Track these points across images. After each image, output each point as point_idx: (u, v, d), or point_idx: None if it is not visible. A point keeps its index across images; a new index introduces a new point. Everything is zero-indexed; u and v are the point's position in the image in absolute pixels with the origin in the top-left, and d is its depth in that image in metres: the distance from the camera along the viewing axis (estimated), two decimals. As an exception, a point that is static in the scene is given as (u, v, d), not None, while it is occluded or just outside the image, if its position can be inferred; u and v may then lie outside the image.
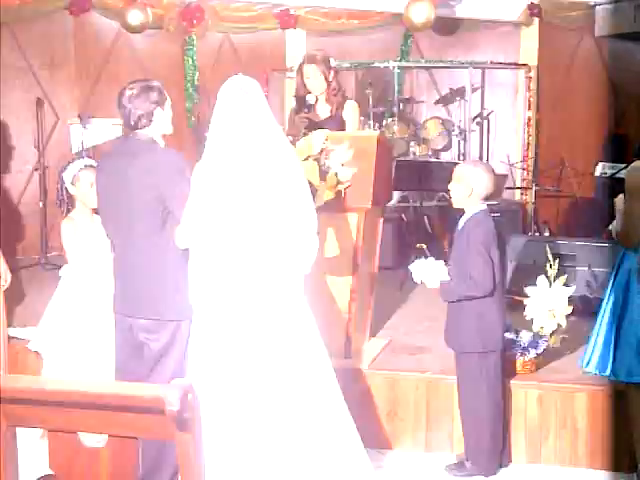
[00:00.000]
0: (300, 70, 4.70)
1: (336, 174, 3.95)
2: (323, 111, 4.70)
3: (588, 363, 3.48)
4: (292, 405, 2.85)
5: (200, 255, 2.91)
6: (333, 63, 4.77)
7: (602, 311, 3.48)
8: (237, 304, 2.87)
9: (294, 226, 2.95)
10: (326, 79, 4.64)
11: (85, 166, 3.86)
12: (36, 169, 7.02)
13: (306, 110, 4.61)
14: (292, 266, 2.98)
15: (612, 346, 3.39)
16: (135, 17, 7.36)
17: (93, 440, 2.48)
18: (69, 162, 3.89)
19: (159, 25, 8.10)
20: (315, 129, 4.24)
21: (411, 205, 7.56)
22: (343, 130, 4.55)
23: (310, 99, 4.62)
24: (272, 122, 2.95)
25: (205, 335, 2.90)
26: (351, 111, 4.73)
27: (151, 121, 3.23)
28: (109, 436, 1.77)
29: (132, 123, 3.26)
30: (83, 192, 3.82)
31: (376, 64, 8.56)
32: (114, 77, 7.73)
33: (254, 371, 2.83)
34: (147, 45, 8.17)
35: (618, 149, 7.52)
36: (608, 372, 3.41)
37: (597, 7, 7.67)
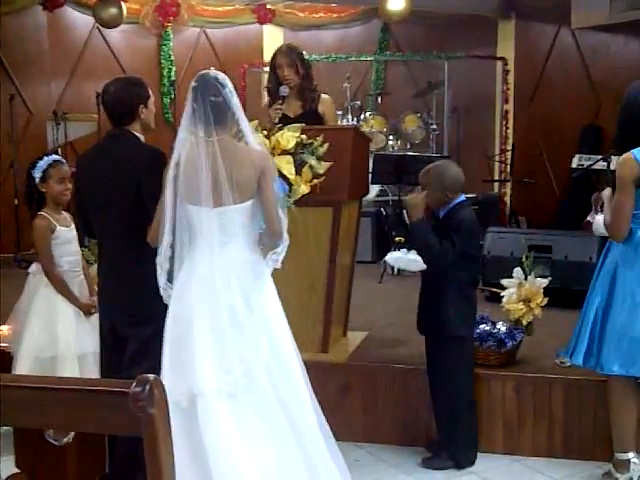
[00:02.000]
0: (273, 60, 4.62)
1: (311, 168, 3.93)
2: (296, 107, 4.65)
3: (573, 355, 3.45)
4: (265, 402, 2.83)
5: (170, 250, 2.90)
6: (307, 57, 4.71)
7: (587, 303, 3.45)
8: (207, 299, 2.85)
9: (264, 222, 2.93)
10: (297, 72, 4.58)
11: (54, 162, 3.79)
12: (11, 166, 6.96)
13: (280, 102, 4.55)
14: (262, 262, 2.96)
15: (598, 339, 3.38)
16: (109, 12, 7.31)
17: (60, 437, 2.47)
18: (37, 159, 3.83)
19: (135, 20, 8.06)
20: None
21: (390, 198, 7.58)
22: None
23: (283, 90, 4.55)
24: (242, 118, 2.93)
25: (177, 329, 2.88)
26: (328, 106, 4.67)
27: (134, 117, 3.23)
28: (75, 433, 1.77)
29: (115, 119, 3.25)
30: (53, 189, 3.77)
31: (353, 58, 8.56)
32: (89, 72, 7.71)
33: (227, 364, 2.81)
34: (122, 40, 8.13)
35: (594, 141, 7.57)
36: (594, 364, 3.40)
37: (573, 0, 7.70)
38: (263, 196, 2.89)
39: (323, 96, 4.67)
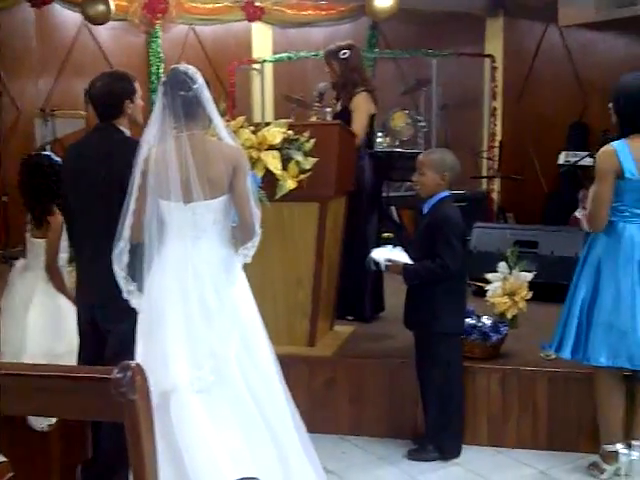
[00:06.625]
0: None
1: (298, 163, 3.96)
2: (337, 105, 4.80)
3: (560, 349, 3.48)
4: (237, 395, 2.85)
5: (129, 244, 2.91)
6: (346, 55, 4.79)
7: (572, 296, 3.47)
8: (179, 293, 2.86)
9: (237, 217, 2.94)
10: (333, 71, 4.72)
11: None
12: (-1, 163, 6.95)
13: (316, 101, 4.67)
14: (234, 256, 2.97)
15: (585, 331, 3.41)
16: (97, 9, 7.30)
17: (43, 423, 2.48)
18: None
19: (123, 17, 8.05)
20: None
21: (378, 195, 7.59)
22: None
23: (321, 88, 4.69)
24: (214, 112, 2.94)
25: (149, 324, 2.90)
26: (355, 103, 4.72)
27: (121, 112, 3.23)
28: (58, 419, 1.78)
29: (102, 114, 3.26)
30: None
31: (342, 55, 8.54)
32: (77, 69, 7.69)
33: (198, 359, 2.82)
34: (111, 37, 8.12)
35: (581, 138, 7.61)
36: (581, 357, 3.43)
37: (560, -3, 7.74)
38: (236, 192, 2.90)
39: (359, 94, 4.73)
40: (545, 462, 3.73)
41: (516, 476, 3.62)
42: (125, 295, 2.94)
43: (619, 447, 3.44)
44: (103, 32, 7.98)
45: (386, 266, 3.70)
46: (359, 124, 4.66)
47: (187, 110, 2.87)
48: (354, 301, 4.90)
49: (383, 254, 3.70)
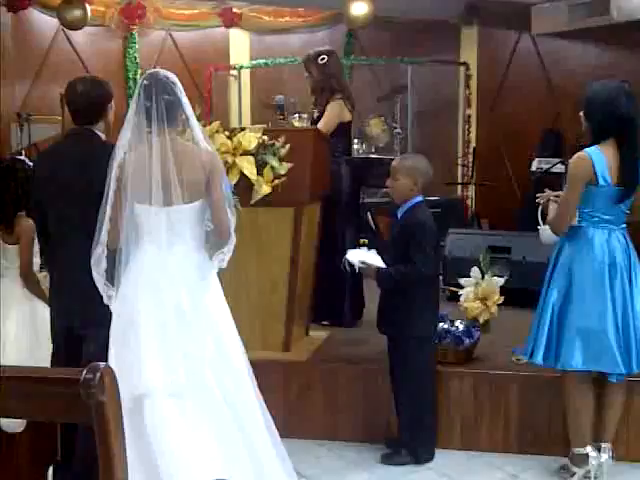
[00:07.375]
0: None
1: (273, 168, 3.98)
2: (316, 111, 4.79)
3: (532, 355, 3.51)
4: (211, 400, 2.86)
5: (107, 250, 2.92)
6: (323, 60, 4.81)
7: (543, 303, 3.51)
8: (153, 297, 2.87)
9: (212, 222, 2.96)
10: (312, 76, 4.74)
11: None
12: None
13: (278, 114, 4.64)
14: (208, 261, 2.98)
15: (556, 336, 3.44)
16: (73, 13, 7.28)
17: (12, 425, 2.47)
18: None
19: (100, 22, 8.04)
20: None
21: (354, 201, 7.62)
22: None
23: (278, 101, 4.65)
24: (192, 117, 2.97)
25: (122, 329, 2.90)
26: (327, 110, 4.75)
27: (102, 116, 3.25)
28: (28, 421, 1.77)
29: (84, 118, 3.26)
30: None
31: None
32: (54, 74, 7.66)
33: (171, 363, 2.83)
34: (88, 42, 8.10)
35: (554, 145, 7.70)
36: (553, 362, 3.46)
37: (533, 6, 7.84)
38: (212, 197, 2.92)
39: (334, 101, 4.75)
40: (517, 465, 3.77)
41: (487, 480, 3.66)
42: (105, 300, 2.94)
43: (589, 450, 3.48)
44: (80, 37, 7.96)
45: (360, 268, 3.73)
46: (323, 126, 4.67)
47: (169, 114, 2.89)
48: (333, 307, 4.92)
49: (358, 256, 3.74)
